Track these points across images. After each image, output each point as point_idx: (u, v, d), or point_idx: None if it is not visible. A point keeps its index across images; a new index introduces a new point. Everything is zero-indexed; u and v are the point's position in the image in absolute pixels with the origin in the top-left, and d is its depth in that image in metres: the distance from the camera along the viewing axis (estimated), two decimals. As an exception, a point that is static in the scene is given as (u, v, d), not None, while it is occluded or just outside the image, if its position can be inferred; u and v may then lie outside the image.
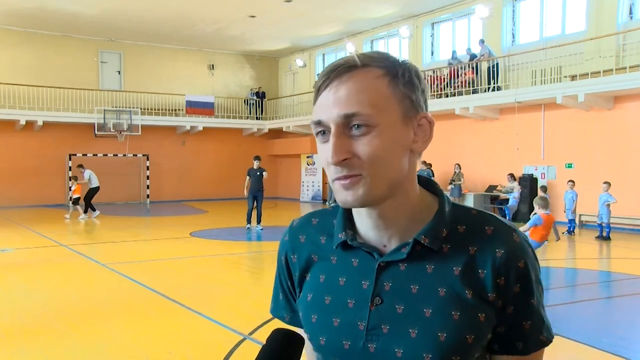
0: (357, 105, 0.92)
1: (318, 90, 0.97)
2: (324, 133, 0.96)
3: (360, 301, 1.00)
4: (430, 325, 0.96)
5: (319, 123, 0.96)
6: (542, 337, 1.01)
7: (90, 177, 16.56)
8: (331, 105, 0.94)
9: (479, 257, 0.98)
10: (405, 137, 0.97)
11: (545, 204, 7.46)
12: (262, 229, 13.61)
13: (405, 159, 0.98)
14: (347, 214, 1.06)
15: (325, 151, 0.95)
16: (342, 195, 0.96)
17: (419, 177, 1.05)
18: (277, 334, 0.96)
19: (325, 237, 1.09)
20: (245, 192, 13.78)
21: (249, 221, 13.60)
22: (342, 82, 0.94)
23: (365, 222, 1.03)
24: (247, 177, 13.73)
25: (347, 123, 0.93)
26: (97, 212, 16.49)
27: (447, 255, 0.99)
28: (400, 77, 0.96)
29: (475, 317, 0.96)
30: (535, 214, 7.45)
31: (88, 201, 16.49)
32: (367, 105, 0.93)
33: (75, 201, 16.88)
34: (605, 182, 12.19)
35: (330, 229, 1.08)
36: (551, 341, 1.02)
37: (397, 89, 0.96)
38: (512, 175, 15.03)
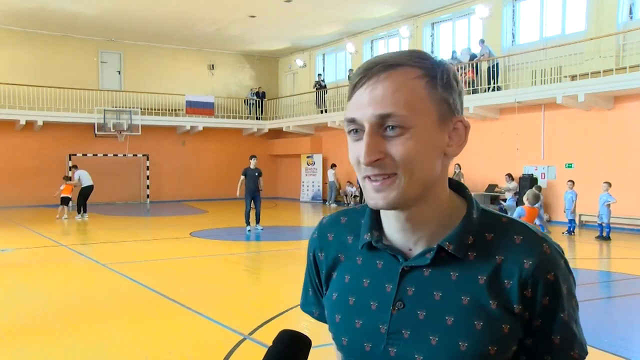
0: (392, 105, 0.91)
1: (354, 88, 0.95)
2: (356, 131, 0.95)
3: (382, 304, 0.99)
4: (451, 334, 0.94)
5: (352, 121, 0.94)
6: (573, 353, 0.97)
7: (80, 177, 16.52)
8: (366, 104, 0.92)
9: (505, 267, 0.95)
10: (440, 140, 0.95)
11: (535, 200, 7.52)
12: (262, 229, 13.60)
13: (438, 162, 0.96)
14: (375, 215, 1.05)
15: (357, 150, 0.94)
16: (374, 198, 0.94)
17: (450, 180, 1.03)
18: (284, 335, 0.96)
19: (352, 237, 1.08)
20: (239, 192, 13.32)
21: (248, 222, 13.38)
22: (378, 80, 0.92)
23: (392, 225, 1.01)
24: (243, 177, 13.24)
25: (381, 123, 0.92)
26: (81, 216, 16.45)
27: (472, 263, 0.96)
28: (439, 79, 0.94)
29: (499, 328, 0.93)
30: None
31: (82, 201, 16.47)
32: (402, 106, 0.91)
33: (64, 201, 16.72)
34: (605, 182, 12.19)
35: (358, 228, 1.06)
36: (584, 358, 0.99)
37: (434, 90, 0.94)
38: (510, 176, 15.03)
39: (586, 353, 1.00)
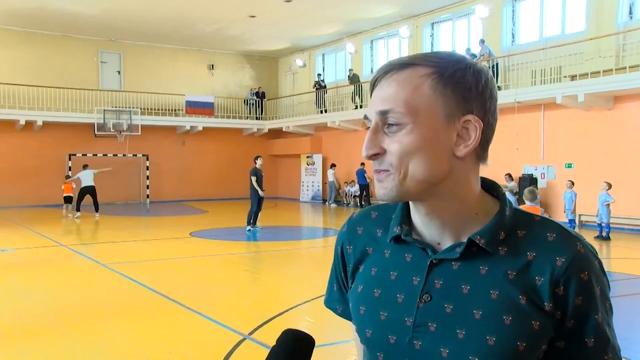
0: (392, 102, 0.94)
1: (372, 88, 1.00)
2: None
3: (409, 297, 0.99)
4: (479, 328, 0.93)
5: (366, 118, 1.00)
6: (606, 357, 0.95)
7: (79, 177, 16.69)
8: (374, 102, 0.98)
9: (537, 264, 0.94)
10: (444, 139, 0.95)
11: (533, 197, 7.76)
12: (261, 228, 13.61)
13: (443, 161, 0.95)
14: (406, 209, 1.05)
15: None
16: (377, 189, 0.99)
17: (483, 179, 1.03)
18: (288, 334, 0.96)
19: (381, 231, 1.08)
20: (262, 192, 13.22)
21: (250, 222, 13.31)
22: (386, 80, 0.96)
23: (418, 219, 1.03)
24: (255, 177, 13.18)
25: (384, 120, 0.95)
26: (78, 214, 16.59)
27: (503, 259, 0.95)
28: (449, 76, 0.94)
29: (529, 325, 0.92)
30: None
31: (79, 200, 16.70)
32: (401, 103, 0.94)
33: (66, 199, 17.06)
34: (605, 182, 12.18)
35: (388, 222, 1.07)
36: None
37: (441, 88, 0.94)
38: (509, 176, 15.05)
39: (620, 359, 0.98)
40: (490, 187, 1.04)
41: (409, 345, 0.97)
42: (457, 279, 0.96)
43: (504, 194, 1.03)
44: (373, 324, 1.02)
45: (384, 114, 0.95)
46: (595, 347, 0.94)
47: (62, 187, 17.25)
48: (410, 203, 1.03)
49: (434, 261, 0.98)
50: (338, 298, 1.16)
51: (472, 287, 0.95)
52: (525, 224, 0.98)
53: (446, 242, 1.00)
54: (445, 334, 0.94)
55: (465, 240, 0.97)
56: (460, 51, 17.74)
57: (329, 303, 1.19)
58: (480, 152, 1.00)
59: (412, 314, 0.97)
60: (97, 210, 16.69)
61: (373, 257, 1.07)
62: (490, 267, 0.95)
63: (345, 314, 1.15)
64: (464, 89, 0.95)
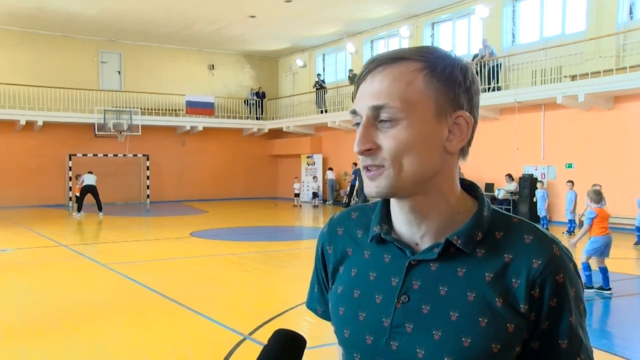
0: (386, 97, 0.93)
1: (359, 81, 0.98)
2: (358, 123, 0.97)
3: (387, 297, 0.99)
4: (455, 329, 0.93)
5: (354, 113, 0.98)
6: (579, 359, 0.96)
7: (83, 179, 16.86)
8: (365, 97, 0.95)
9: (514, 266, 0.95)
10: (437, 134, 0.95)
11: (599, 198, 7.04)
12: None
13: (435, 157, 0.96)
14: (385, 209, 1.05)
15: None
16: (368, 186, 0.97)
17: (462, 180, 1.04)
18: (279, 334, 0.96)
19: (362, 231, 1.08)
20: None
21: None
22: (377, 74, 0.95)
23: (399, 218, 1.02)
24: None
25: (376, 115, 0.94)
26: (81, 214, 16.69)
27: (480, 260, 0.96)
28: (439, 71, 0.95)
29: (504, 327, 0.92)
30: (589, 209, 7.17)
31: (80, 200, 16.91)
32: (396, 98, 0.93)
33: (77, 199, 17.45)
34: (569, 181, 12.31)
35: (368, 223, 1.07)
36: None
37: (432, 83, 0.94)
38: (510, 176, 15.05)
39: None
40: (469, 187, 1.05)
41: (386, 346, 0.97)
42: (435, 280, 0.97)
43: (483, 194, 1.03)
44: (351, 324, 1.02)
45: (377, 109, 0.93)
46: (568, 349, 0.95)
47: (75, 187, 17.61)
48: (392, 202, 1.03)
49: (412, 262, 0.98)
50: (319, 299, 1.16)
51: (449, 288, 0.96)
52: (503, 225, 0.99)
53: (425, 243, 1.00)
54: (422, 334, 0.95)
55: (442, 240, 0.97)
56: (461, 51, 17.75)
57: (310, 304, 1.19)
58: (466, 147, 1.00)
59: (390, 314, 0.98)
60: (100, 209, 16.75)
61: (353, 258, 1.07)
62: (468, 268, 0.96)
63: (325, 315, 1.15)
64: (454, 84, 0.96)
